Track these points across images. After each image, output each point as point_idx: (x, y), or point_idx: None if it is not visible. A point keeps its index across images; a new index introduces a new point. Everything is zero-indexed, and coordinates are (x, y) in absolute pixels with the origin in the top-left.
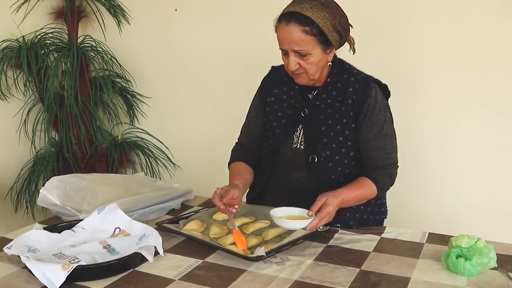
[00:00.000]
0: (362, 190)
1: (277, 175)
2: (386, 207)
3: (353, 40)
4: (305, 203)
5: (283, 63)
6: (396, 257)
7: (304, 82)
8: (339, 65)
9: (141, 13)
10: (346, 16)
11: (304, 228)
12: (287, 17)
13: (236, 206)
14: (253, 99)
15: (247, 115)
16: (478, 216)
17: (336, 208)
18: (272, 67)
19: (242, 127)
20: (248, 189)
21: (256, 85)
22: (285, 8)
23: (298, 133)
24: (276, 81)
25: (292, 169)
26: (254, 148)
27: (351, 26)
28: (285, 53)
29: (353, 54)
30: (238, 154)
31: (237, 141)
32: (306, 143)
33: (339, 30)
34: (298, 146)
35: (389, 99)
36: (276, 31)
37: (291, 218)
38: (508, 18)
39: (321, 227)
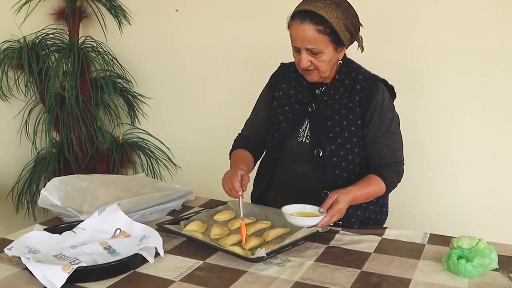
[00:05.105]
0: (371, 188)
1: (280, 170)
2: (388, 208)
3: (362, 39)
4: (308, 199)
5: (284, 62)
6: (397, 258)
7: (315, 79)
8: (347, 63)
9: (142, 13)
10: (357, 16)
11: (315, 226)
12: (301, 15)
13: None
14: (261, 93)
15: (253, 109)
16: (479, 217)
17: (347, 206)
18: (282, 63)
19: (247, 120)
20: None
21: (258, 85)
22: (298, 6)
23: (304, 127)
24: (285, 77)
25: (296, 163)
26: (256, 141)
27: (361, 26)
28: (297, 50)
29: (361, 52)
30: (241, 143)
31: (240, 132)
32: (312, 137)
33: (350, 30)
34: (303, 140)
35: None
36: (288, 28)
37: (302, 215)
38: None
39: (321, 228)
